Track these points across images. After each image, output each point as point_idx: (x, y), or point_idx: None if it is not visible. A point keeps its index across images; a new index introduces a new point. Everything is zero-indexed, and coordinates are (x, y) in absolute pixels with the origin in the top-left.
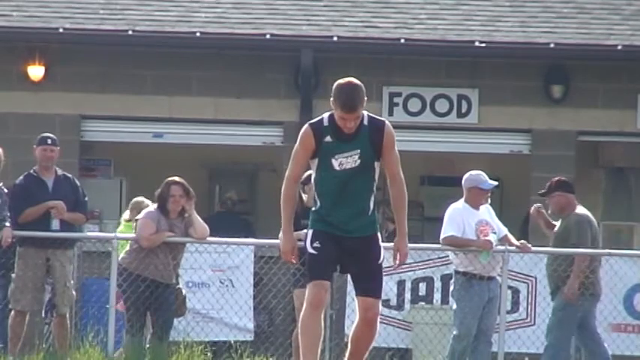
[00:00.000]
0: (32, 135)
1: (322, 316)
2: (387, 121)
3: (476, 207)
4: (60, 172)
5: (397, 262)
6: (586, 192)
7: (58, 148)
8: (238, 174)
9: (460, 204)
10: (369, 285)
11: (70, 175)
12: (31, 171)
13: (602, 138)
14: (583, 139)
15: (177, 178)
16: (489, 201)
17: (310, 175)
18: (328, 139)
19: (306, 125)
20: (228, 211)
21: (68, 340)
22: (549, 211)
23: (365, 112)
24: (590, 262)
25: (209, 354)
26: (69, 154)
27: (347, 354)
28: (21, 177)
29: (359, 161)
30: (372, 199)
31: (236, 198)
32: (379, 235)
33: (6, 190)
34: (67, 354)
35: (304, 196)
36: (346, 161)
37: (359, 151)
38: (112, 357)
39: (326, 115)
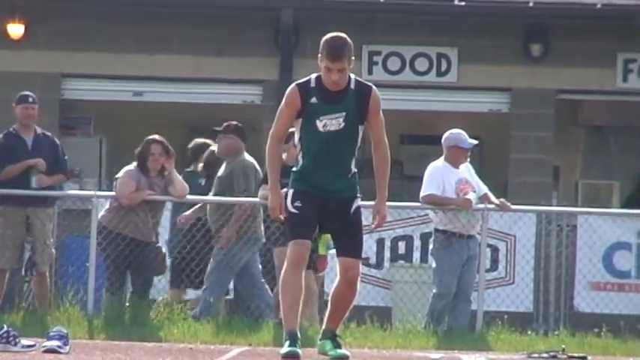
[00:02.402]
0: (12, 93)
1: (303, 274)
2: (374, 87)
3: (456, 165)
4: (39, 130)
5: (375, 224)
6: (565, 151)
7: (38, 106)
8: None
9: (440, 162)
10: (349, 246)
11: (49, 134)
12: (11, 129)
13: (581, 96)
14: (562, 97)
15: (157, 137)
16: (469, 160)
17: (291, 134)
18: (314, 100)
19: (292, 85)
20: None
21: (48, 298)
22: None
23: (352, 76)
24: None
25: (189, 312)
26: (49, 113)
27: (327, 313)
28: (0, 134)
29: (343, 124)
30: (354, 161)
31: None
32: (359, 196)
33: None
34: (47, 312)
35: (284, 155)
36: (330, 123)
37: (344, 114)
38: (92, 316)
39: (313, 76)
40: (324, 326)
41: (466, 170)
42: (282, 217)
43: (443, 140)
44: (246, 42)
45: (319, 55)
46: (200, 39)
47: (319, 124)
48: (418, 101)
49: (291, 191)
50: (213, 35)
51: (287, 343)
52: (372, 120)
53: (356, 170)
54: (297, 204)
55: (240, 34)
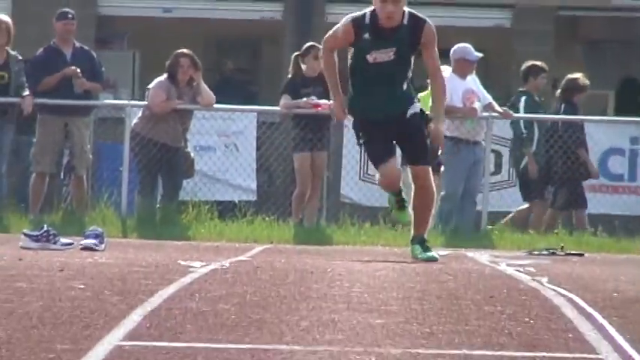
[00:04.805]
0: (47, 10)
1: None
2: (428, 20)
3: (463, 77)
4: (78, 44)
5: (431, 140)
6: (564, 64)
7: (76, 22)
8: (243, 47)
9: (448, 73)
10: (414, 153)
11: (87, 48)
12: (51, 43)
13: (579, 13)
14: (562, 13)
15: (185, 51)
16: (475, 71)
17: (310, 47)
18: (367, 36)
19: (348, 19)
20: (226, 79)
21: (85, 200)
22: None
23: (407, 10)
24: None
25: (215, 213)
26: (86, 28)
27: (413, 221)
28: (41, 49)
29: (394, 57)
30: (406, 83)
31: (233, 67)
32: (416, 102)
33: (20, 58)
34: (84, 213)
35: (303, 67)
36: (380, 56)
37: (395, 49)
38: (125, 216)
39: (368, 12)
40: (413, 232)
41: (472, 81)
42: (344, 117)
43: (451, 53)
44: None
45: None
46: None
47: (369, 57)
48: (429, 17)
49: (352, 123)
50: None
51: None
52: (426, 52)
53: (410, 84)
54: (362, 138)
55: None
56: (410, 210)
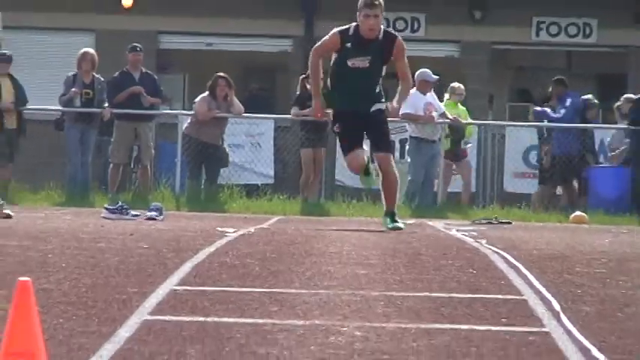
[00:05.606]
0: (124, 45)
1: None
2: (399, 36)
3: (424, 93)
4: (144, 70)
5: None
6: (498, 83)
7: (142, 53)
8: (263, 72)
9: (414, 90)
10: (378, 143)
11: (150, 72)
12: (124, 69)
13: (508, 46)
14: (496, 47)
15: (222, 74)
16: (433, 89)
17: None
18: (349, 45)
19: (336, 31)
20: (252, 95)
21: (149, 183)
22: None
23: (382, 27)
24: None
25: (243, 193)
26: (149, 58)
27: (384, 203)
28: (116, 73)
29: (368, 64)
30: (378, 86)
31: (257, 86)
32: (382, 102)
33: (102, 79)
34: (148, 193)
35: (307, 86)
36: (358, 62)
37: (370, 57)
38: (178, 195)
39: (352, 25)
40: (384, 208)
41: (431, 96)
42: (319, 116)
43: (415, 76)
44: (280, 8)
45: (358, 11)
46: (249, 7)
47: (349, 62)
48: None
49: (332, 112)
50: (265, 5)
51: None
52: (397, 62)
53: (381, 88)
54: (337, 126)
55: (280, 6)
56: (374, 176)
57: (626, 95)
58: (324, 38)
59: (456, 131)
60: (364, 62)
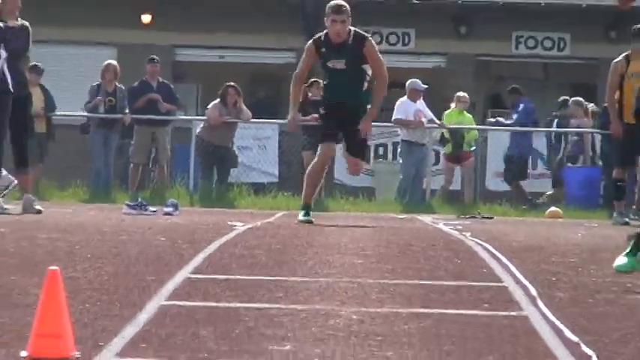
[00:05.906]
0: (143, 58)
1: (326, 168)
2: (368, 37)
3: (414, 101)
4: (161, 79)
5: (360, 129)
6: (481, 92)
7: (159, 64)
8: (269, 81)
9: (405, 98)
10: (352, 150)
11: (167, 82)
12: (143, 78)
13: (490, 58)
14: (480, 59)
15: (232, 83)
16: (422, 97)
17: (313, 81)
18: (324, 49)
19: (309, 42)
20: (259, 102)
21: (165, 182)
22: None
23: (352, 29)
24: None
25: (251, 190)
26: (166, 69)
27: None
28: (136, 82)
29: (345, 65)
30: (364, 85)
31: (264, 94)
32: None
33: (123, 88)
34: (165, 190)
35: (309, 94)
36: (335, 64)
37: (344, 60)
38: (192, 192)
39: (323, 33)
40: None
41: (420, 104)
42: (291, 129)
43: (406, 85)
44: (284, 24)
45: (325, 16)
46: (257, 24)
47: (329, 64)
48: (391, 62)
49: (322, 110)
50: (270, 21)
51: (303, 212)
52: (371, 60)
53: (369, 89)
54: (321, 120)
55: (283, 22)
56: (309, 218)
57: (573, 99)
58: (302, 57)
59: (455, 136)
60: (341, 63)
